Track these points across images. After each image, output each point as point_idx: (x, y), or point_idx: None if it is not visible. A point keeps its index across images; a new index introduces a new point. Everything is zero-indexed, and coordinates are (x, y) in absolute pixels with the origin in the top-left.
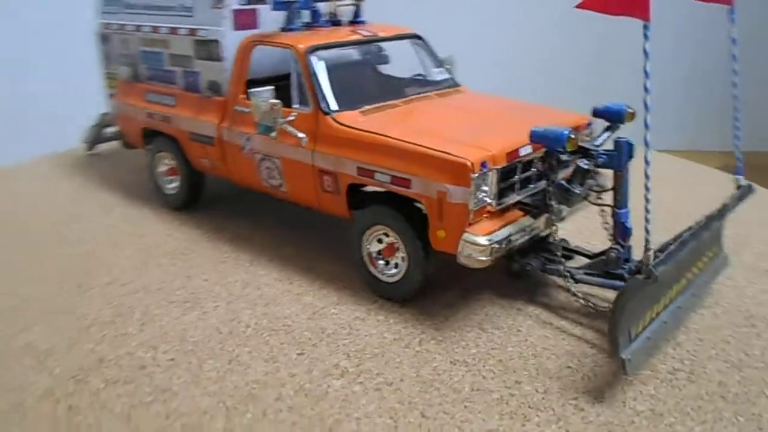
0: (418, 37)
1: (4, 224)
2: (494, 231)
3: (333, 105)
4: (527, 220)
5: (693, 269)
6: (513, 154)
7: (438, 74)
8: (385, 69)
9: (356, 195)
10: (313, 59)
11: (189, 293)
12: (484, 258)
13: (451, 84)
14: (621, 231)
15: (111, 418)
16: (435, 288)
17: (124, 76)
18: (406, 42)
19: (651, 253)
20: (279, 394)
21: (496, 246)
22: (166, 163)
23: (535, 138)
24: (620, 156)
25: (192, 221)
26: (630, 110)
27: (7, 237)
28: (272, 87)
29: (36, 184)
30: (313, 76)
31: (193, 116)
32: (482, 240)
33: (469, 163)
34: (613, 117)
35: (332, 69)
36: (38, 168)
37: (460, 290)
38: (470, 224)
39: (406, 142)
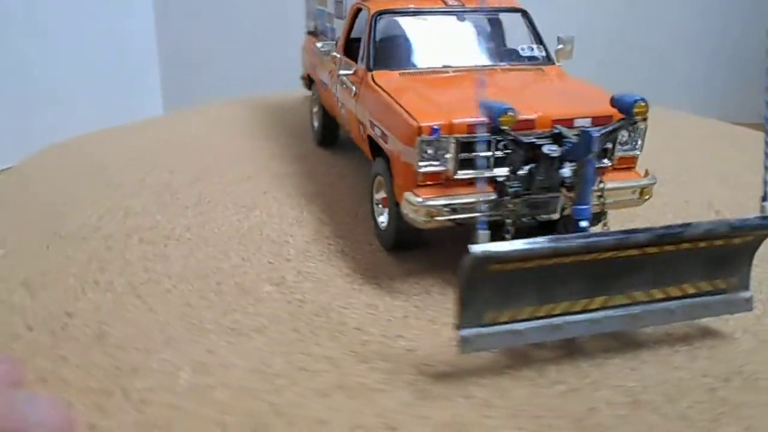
0: (521, 12)
1: (201, 135)
2: (436, 195)
3: (375, 63)
4: (484, 196)
5: (650, 289)
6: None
7: (528, 51)
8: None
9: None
10: (378, 21)
11: (253, 202)
12: (419, 218)
13: (539, 62)
14: (574, 228)
15: (120, 261)
16: (436, 245)
17: (309, 29)
18: (516, 16)
19: (483, 233)
20: (220, 281)
21: (432, 210)
22: (318, 104)
23: (480, 110)
24: (578, 146)
25: (320, 155)
26: (642, 104)
27: (191, 145)
28: (334, 42)
29: (247, 112)
30: (371, 35)
31: (323, 66)
32: (416, 200)
33: (416, 126)
34: (623, 109)
35: (399, 33)
36: (253, 102)
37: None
38: (419, 185)
39: (393, 100)
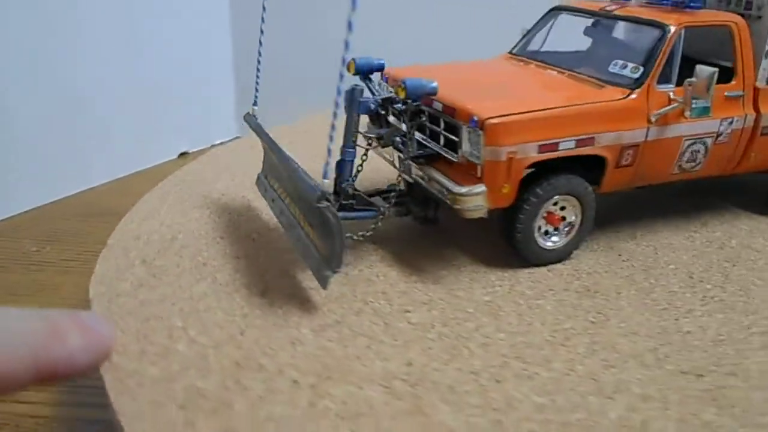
0: (661, 28)
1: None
2: None
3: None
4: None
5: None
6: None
7: (618, 68)
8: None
9: None
10: (550, 15)
11: None
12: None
13: (619, 83)
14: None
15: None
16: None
17: None
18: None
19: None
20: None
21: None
22: None
23: None
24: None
25: None
26: (399, 86)
27: None
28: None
29: None
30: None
31: None
32: None
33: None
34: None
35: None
36: None
37: None
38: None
39: None
